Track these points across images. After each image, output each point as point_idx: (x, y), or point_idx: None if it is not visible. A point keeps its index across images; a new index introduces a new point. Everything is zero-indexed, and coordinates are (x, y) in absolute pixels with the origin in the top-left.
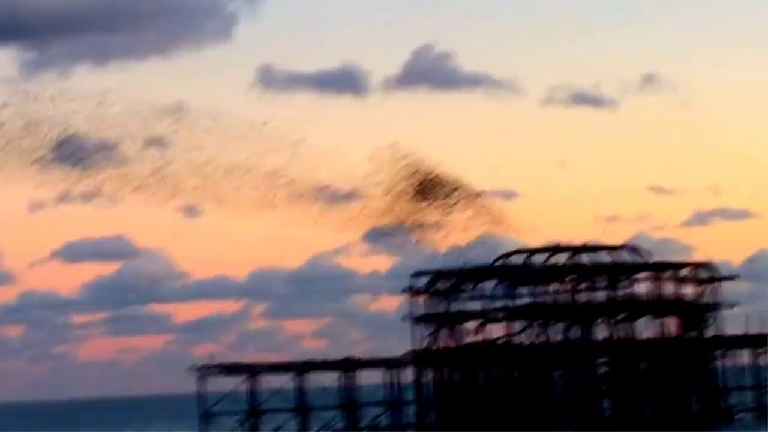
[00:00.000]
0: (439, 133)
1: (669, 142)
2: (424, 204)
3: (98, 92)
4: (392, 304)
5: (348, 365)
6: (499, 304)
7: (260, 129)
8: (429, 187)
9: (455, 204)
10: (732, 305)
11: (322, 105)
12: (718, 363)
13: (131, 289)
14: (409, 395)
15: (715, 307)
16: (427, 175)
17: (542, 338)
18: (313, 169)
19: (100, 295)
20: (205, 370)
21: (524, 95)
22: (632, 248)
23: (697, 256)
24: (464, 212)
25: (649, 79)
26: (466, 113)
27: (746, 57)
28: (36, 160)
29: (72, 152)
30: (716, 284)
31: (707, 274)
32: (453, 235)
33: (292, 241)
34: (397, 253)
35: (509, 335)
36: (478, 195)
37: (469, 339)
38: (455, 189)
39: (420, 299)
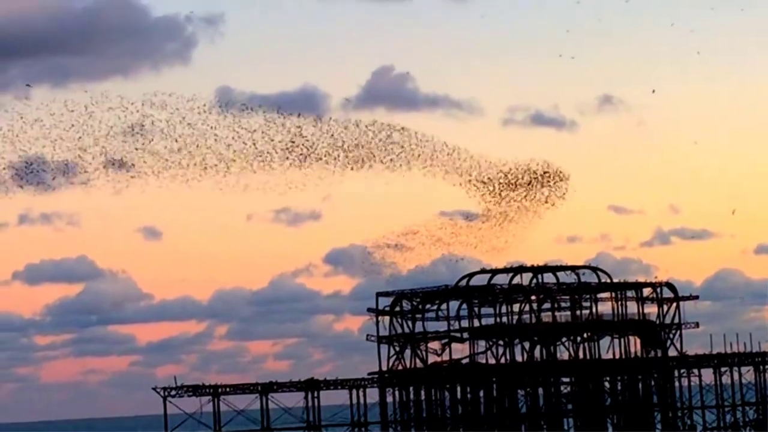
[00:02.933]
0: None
1: (628, 163)
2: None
3: (57, 114)
4: (355, 324)
5: (311, 386)
6: (462, 324)
7: (222, 150)
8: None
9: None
10: (694, 325)
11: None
12: (681, 382)
13: (94, 310)
14: (374, 416)
15: (676, 326)
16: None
17: (506, 358)
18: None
19: (63, 316)
20: (169, 391)
21: (484, 116)
22: (594, 268)
23: (658, 276)
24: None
25: (606, 101)
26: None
27: (702, 77)
28: None
29: (32, 174)
30: (678, 304)
31: (669, 293)
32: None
33: (254, 261)
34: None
35: (473, 355)
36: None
37: (434, 359)
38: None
39: (384, 319)
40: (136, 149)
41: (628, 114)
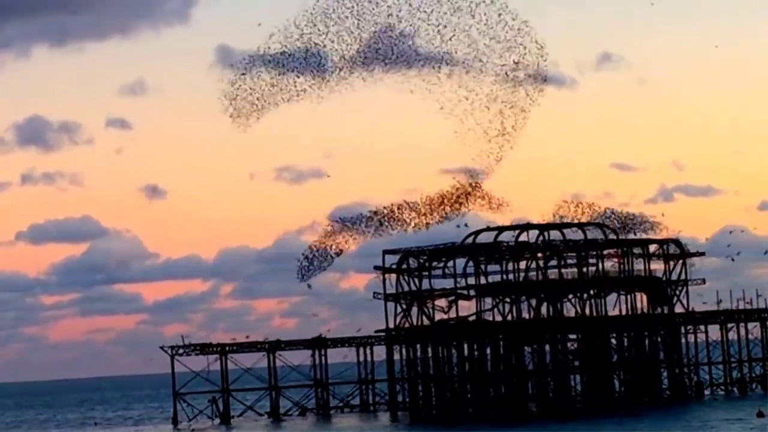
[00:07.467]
0: (401, 112)
1: (629, 120)
2: None
3: (57, 73)
4: (362, 282)
5: (319, 344)
6: (469, 281)
7: (222, 108)
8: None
9: None
10: (700, 281)
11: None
12: (687, 338)
13: (100, 269)
14: (381, 373)
15: (683, 282)
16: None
17: (512, 315)
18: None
19: (68, 276)
20: (177, 350)
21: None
22: (600, 225)
23: (663, 233)
24: None
25: (605, 58)
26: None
27: (703, 33)
28: None
29: (34, 133)
30: (684, 260)
31: (675, 250)
32: None
33: (258, 220)
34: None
35: (480, 312)
36: None
37: (440, 316)
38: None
39: (390, 277)
40: (137, 108)
41: (628, 71)
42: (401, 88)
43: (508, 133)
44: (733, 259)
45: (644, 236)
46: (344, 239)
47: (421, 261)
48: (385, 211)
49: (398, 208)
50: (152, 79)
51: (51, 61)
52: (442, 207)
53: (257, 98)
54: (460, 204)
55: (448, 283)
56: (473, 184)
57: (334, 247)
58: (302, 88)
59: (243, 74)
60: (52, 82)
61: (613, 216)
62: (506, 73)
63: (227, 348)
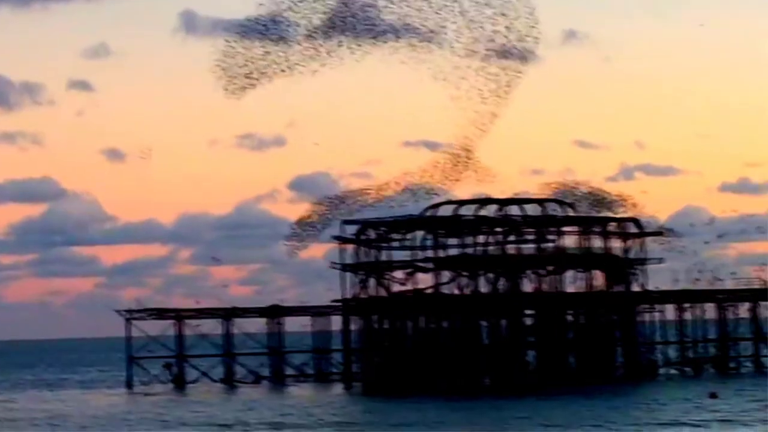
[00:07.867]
0: (362, 84)
1: (592, 98)
2: None
3: (20, 33)
4: (320, 251)
5: (275, 312)
6: (427, 254)
7: (186, 73)
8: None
9: None
10: (658, 260)
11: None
12: (643, 317)
13: (58, 231)
14: (336, 343)
15: (641, 261)
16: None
17: (470, 289)
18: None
19: (26, 236)
20: (132, 314)
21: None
22: (560, 201)
23: (642, 213)
24: None
25: (570, 35)
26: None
27: (668, 12)
28: None
29: None
30: (642, 239)
31: (634, 229)
32: None
33: (218, 186)
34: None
35: (437, 285)
36: None
37: (397, 288)
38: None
39: (348, 248)
40: (100, 71)
41: (593, 49)
42: (390, 60)
43: (503, 92)
44: (720, 236)
45: (623, 215)
46: (332, 213)
47: (380, 232)
48: (374, 187)
49: (387, 184)
50: (116, 43)
51: (14, 22)
52: (434, 180)
53: (251, 70)
54: (454, 177)
55: (407, 255)
56: (467, 154)
57: (321, 220)
58: (295, 61)
59: (230, 43)
60: (14, 42)
61: (590, 193)
62: (495, 40)
63: (183, 313)
